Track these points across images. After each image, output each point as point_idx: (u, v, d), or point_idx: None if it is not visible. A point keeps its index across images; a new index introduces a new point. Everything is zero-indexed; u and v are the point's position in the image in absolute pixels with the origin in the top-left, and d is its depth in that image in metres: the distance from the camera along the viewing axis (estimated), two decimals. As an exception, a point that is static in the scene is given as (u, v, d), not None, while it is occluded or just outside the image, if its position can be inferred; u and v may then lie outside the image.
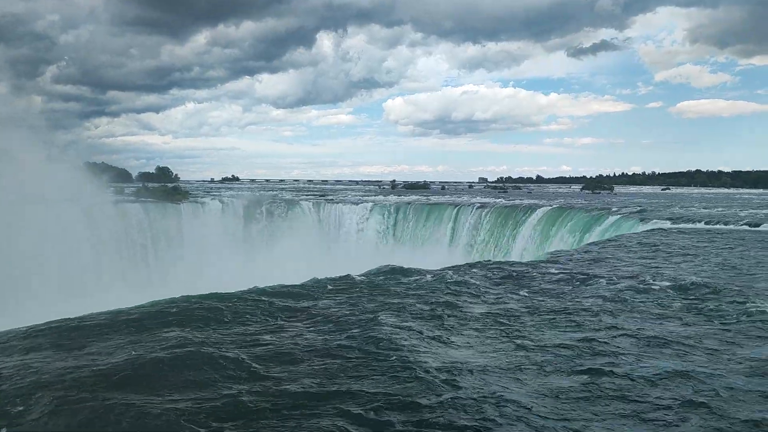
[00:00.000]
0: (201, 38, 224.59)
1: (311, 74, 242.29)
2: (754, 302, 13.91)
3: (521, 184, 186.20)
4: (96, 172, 61.91)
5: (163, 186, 77.27)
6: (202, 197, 69.50)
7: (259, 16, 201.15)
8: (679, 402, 7.95)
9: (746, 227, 34.88)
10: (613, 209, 48.69)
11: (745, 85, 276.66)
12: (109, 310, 12.16)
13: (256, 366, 9.00)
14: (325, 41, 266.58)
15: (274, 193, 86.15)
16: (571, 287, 16.10)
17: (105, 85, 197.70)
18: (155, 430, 6.76)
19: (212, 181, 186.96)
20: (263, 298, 13.68)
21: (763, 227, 34.55)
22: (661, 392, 8.29)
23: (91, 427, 6.81)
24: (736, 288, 15.70)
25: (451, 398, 7.85)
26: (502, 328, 11.84)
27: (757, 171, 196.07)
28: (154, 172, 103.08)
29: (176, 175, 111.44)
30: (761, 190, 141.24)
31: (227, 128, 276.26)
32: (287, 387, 8.14)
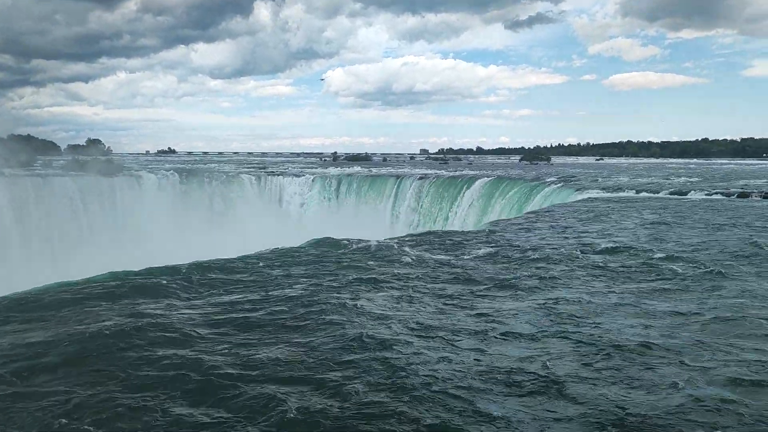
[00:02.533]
0: (131, 4, 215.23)
1: (249, 44, 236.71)
2: (674, 262, 14.80)
3: (462, 156, 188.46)
4: (21, 144, 58.89)
5: (95, 159, 74.31)
6: (137, 170, 67.28)
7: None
8: (622, 357, 8.44)
9: (674, 196, 36.66)
10: (550, 180, 50.10)
11: (673, 58, 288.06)
12: (38, 287, 11.81)
13: (196, 337, 8.98)
14: (262, 10, 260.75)
15: (213, 165, 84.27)
16: (509, 255, 16.61)
17: (29, 54, 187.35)
18: (95, 408, 6.70)
19: (147, 154, 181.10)
20: (204, 272, 13.56)
21: (690, 195, 36.39)
22: (599, 347, 8.77)
23: (21, 408, 6.69)
24: (660, 250, 16.59)
25: (382, 359, 8.08)
26: (439, 295, 12.16)
27: (684, 141, 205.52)
28: (84, 144, 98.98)
29: (108, 147, 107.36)
30: (687, 160, 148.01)
31: (162, 99, 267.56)
32: (221, 357, 8.18)
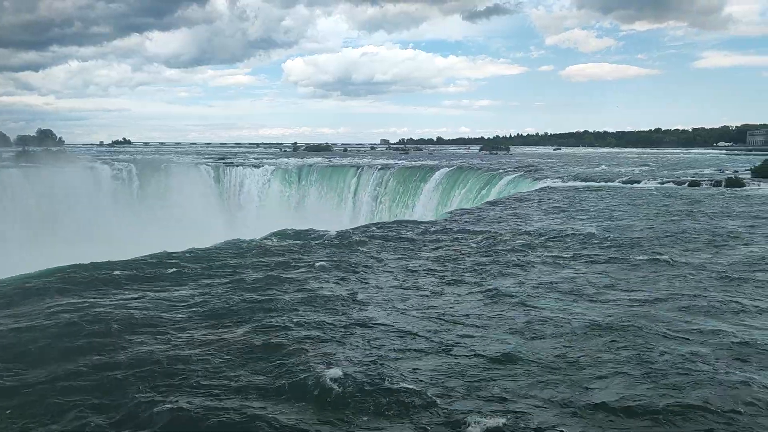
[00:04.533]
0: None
1: (206, 32, 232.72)
2: (630, 248, 15.26)
3: (422, 146, 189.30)
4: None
5: (47, 150, 72.11)
6: (90, 161, 65.52)
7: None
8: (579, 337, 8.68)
9: (627, 185, 37.62)
10: (509, 169, 50.81)
11: (627, 49, 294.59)
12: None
13: (161, 327, 8.88)
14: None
15: (171, 156, 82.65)
16: (468, 243, 16.83)
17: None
18: (56, 397, 6.59)
19: (101, 144, 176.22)
20: (158, 266, 13.37)
21: (643, 184, 37.38)
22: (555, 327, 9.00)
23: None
24: (615, 236, 17.07)
25: (346, 342, 8.15)
26: (401, 282, 12.27)
27: (638, 131, 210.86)
28: (35, 135, 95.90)
29: (60, 138, 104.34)
30: (641, 149, 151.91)
31: (116, 89, 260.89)
32: (187, 346, 8.12)
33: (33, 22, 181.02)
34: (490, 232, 18.67)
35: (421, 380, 7.32)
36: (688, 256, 14.94)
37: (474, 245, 16.60)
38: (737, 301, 10.90)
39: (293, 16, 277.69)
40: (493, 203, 29.19)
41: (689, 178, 38.84)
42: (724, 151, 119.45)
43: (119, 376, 7.22)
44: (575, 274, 13.13)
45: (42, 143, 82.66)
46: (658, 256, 14.75)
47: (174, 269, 13.11)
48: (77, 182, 54.84)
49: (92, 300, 10.46)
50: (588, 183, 39.07)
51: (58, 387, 6.93)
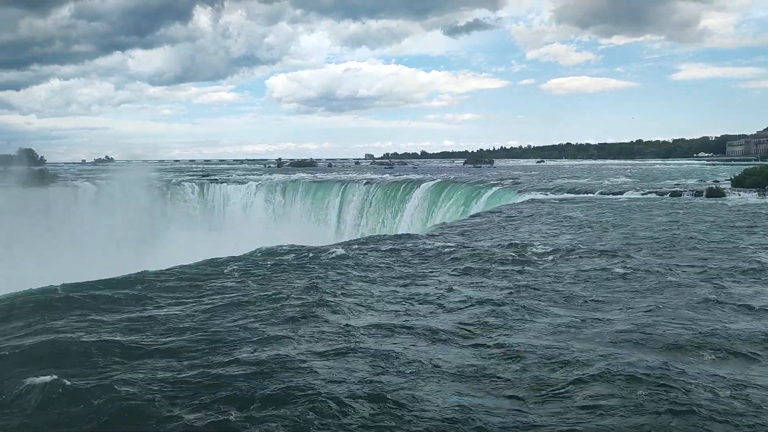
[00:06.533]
0: (64, 11, 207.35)
1: (189, 50, 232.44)
2: (616, 258, 15.31)
3: (407, 160, 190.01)
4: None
5: (28, 169, 71.30)
6: (73, 180, 64.88)
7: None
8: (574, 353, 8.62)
9: (611, 196, 37.93)
10: (494, 182, 51.02)
11: (606, 63, 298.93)
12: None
13: (149, 349, 8.70)
14: (202, 16, 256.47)
15: (154, 174, 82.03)
16: (454, 257, 16.78)
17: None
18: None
19: (84, 163, 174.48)
20: (140, 285, 13.16)
21: (626, 195, 37.71)
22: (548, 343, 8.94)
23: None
24: (601, 247, 17.13)
25: (344, 357, 8.04)
26: (387, 299, 12.18)
27: (620, 143, 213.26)
28: (15, 154, 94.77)
29: (42, 157, 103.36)
30: (623, 161, 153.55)
31: (99, 107, 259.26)
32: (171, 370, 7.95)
33: (13, 42, 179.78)
34: (477, 245, 18.67)
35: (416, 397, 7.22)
36: (676, 265, 15.00)
37: (461, 258, 16.55)
38: (724, 303, 10.96)
39: (276, 33, 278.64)
40: (479, 216, 29.23)
41: (671, 189, 39.26)
42: (705, 162, 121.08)
43: (94, 401, 7.04)
44: (565, 286, 13.13)
45: (23, 162, 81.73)
46: (645, 266, 14.82)
47: (154, 288, 12.90)
48: (58, 201, 54.20)
49: (66, 322, 10.24)
50: (572, 195, 39.33)
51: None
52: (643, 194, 37.73)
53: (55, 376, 7.59)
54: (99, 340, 9.17)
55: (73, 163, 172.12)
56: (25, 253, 46.12)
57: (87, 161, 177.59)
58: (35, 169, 75.16)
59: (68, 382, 7.44)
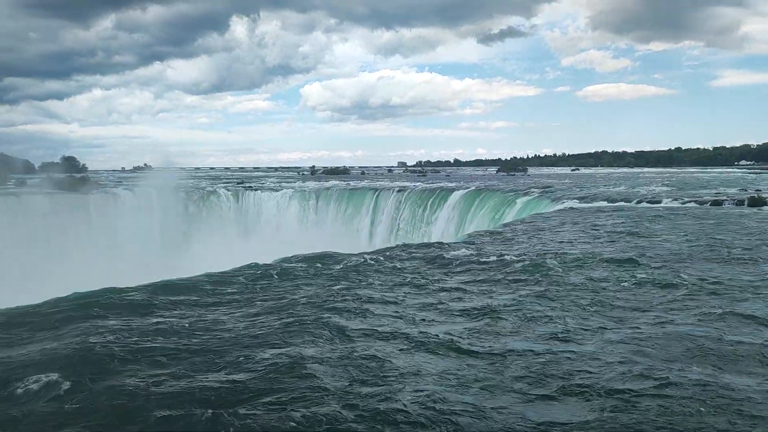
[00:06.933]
0: (106, 22, 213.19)
1: (225, 60, 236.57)
2: (651, 271, 14.97)
3: (439, 168, 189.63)
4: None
5: (70, 176, 73.31)
6: (112, 187, 66.47)
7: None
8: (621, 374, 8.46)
9: (649, 204, 37.13)
10: (527, 190, 50.51)
11: (643, 69, 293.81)
12: (16, 306, 11.57)
13: (190, 355, 8.83)
14: (238, 27, 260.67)
15: (191, 181, 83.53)
16: (485, 265, 16.64)
17: (2, 72, 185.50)
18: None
19: (123, 170, 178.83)
20: (175, 291, 13.38)
21: (664, 203, 36.89)
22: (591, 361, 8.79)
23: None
24: (641, 257, 16.76)
25: (378, 372, 8.03)
26: (427, 308, 12.13)
27: (657, 151, 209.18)
28: (58, 162, 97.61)
29: (84, 165, 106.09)
30: (661, 169, 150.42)
31: (138, 116, 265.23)
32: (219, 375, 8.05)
33: (58, 53, 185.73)
34: (510, 253, 18.47)
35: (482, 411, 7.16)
36: (718, 275, 14.60)
37: (493, 267, 16.40)
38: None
39: (311, 43, 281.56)
40: (512, 224, 28.94)
41: (711, 198, 38.27)
42: (746, 170, 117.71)
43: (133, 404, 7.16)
44: (607, 297, 12.88)
45: (66, 170, 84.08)
46: (687, 275, 14.45)
47: (190, 293, 13.11)
48: (99, 207, 55.60)
49: (106, 325, 10.45)
50: (608, 203, 38.62)
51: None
52: (682, 203, 36.83)
53: (88, 379, 7.76)
54: (139, 345, 9.35)
55: (113, 170, 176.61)
56: (66, 256, 47.44)
57: (126, 168, 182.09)
58: (77, 176, 77.18)
59: (104, 386, 7.60)
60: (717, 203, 35.84)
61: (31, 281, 41.96)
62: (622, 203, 38.36)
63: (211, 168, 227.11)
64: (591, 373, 8.27)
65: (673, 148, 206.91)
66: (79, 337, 9.59)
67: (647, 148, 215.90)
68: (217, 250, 47.28)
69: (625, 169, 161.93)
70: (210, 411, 6.91)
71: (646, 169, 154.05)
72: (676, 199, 38.46)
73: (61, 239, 49.88)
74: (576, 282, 14.43)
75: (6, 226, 47.03)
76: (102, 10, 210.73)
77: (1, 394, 7.47)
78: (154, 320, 10.92)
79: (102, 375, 8.04)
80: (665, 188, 52.10)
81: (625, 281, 14.34)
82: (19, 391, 7.49)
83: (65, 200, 54.18)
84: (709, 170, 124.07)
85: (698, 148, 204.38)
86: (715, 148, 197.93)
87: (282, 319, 10.99)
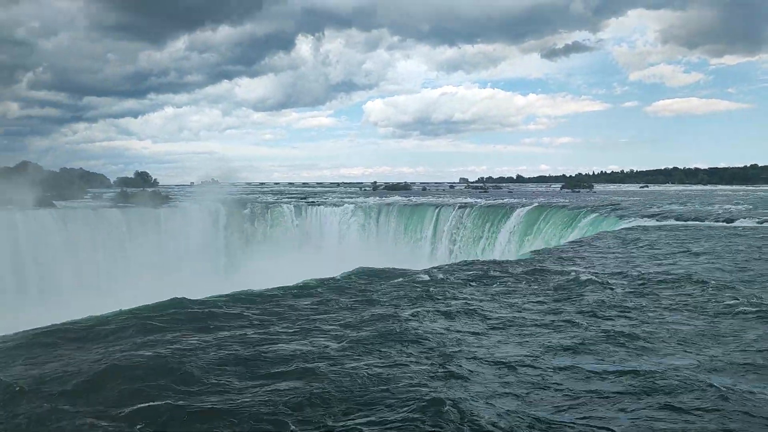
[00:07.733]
0: (179, 43, 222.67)
1: (291, 77, 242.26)
2: (733, 295, 14.21)
3: (502, 184, 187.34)
4: (72, 177, 61.44)
5: (143, 191, 76.60)
6: (181, 201, 68.99)
7: (237, 20, 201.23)
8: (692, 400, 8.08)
9: (723, 223, 35.46)
10: (594, 207, 49.19)
11: (717, 83, 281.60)
12: (88, 317, 12.04)
13: (257, 368, 8.97)
14: (304, 45, 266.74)
15: (255, 195, 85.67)
16: (553, 285, 16.24)
17: (82, 91, 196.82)
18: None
19: (192, 185, 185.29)
20: (240, 303, 13.65)
21: (738, 223, 35.15)
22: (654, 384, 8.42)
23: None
24: (714, 281, 15.97)
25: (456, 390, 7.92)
26: (497, 324, 11.93)
27: (732, 167, 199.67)
28: (132, 177, 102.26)
29: (155, 179, 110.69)
30: (736, 186, 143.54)
31: (207, 132, 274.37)
32: (287, 387, 8.13)
33: (133, 74, 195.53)
34: (575, 273, 17.95)
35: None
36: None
37: (556, 287, 15.98)
38: None
39: (374, 60, 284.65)
40: (577, 243, 28.21)
41: (793, 217, 36.19)
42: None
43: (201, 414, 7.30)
44: (683, 323, 12.34)
45: (139, 184, 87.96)
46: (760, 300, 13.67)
47: (255, 306, 13.34)
48: (168, 220, 57.86)
49: (178, 337, 10.73)
50: (679, 222, 37.13)
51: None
52: (759, 222, 34.97)
53: (165, 394, 7.97)
54: (211, 355, 9.56)
55: (182, 185, 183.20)
56: (137, 267, 49.46)
57: (194, 183, 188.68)
58: (149, 190, 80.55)
59: (181, 395, 7.79)
60: (799, 223, 33.85)
61: (112, 288, 44.01)
62: (696, 222, 36.78)
63: (276, 183, 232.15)
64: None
65: (748, 165, 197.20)
66: (150, 349, 9.89)
67: (721, 165, 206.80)
68: (280, 263, 48.23)
69: (698, 187, 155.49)
70: (297, 418, 6.96)
71: (720, 187, 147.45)
72: (753, 218, 36.56)
73: (133, 251, 52.11)
74: (649, 301, 13.87)
75: (86, 239, 49.53)
76: (176, 32, 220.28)
77: (79, 408, 7.76)
78: (224, 333, 11.16)
79: (178, 385, 8.25)
80: (741, 207, 49.65)
81: (702, 302, 13.68)
82: (90, 408, 7.76)
83: (137, 214, 56.62)
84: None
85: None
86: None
87: (362, 331, 11.02)
